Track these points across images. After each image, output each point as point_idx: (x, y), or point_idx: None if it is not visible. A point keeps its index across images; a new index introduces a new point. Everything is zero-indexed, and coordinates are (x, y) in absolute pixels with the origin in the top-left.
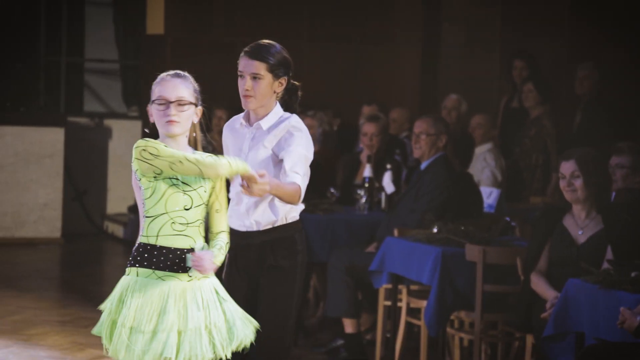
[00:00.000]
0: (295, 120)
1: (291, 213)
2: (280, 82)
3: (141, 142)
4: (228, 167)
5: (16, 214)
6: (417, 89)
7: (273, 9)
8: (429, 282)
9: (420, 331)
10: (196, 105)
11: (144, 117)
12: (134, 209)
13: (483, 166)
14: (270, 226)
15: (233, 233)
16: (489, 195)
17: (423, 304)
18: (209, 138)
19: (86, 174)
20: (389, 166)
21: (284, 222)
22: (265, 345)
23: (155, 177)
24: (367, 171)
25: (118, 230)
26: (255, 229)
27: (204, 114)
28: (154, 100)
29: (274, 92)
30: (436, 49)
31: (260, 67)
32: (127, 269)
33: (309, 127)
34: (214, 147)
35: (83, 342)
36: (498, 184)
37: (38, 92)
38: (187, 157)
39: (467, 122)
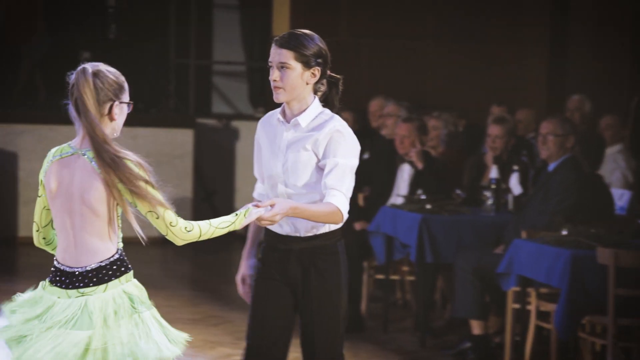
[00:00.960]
0: (338, 123)
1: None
2: (312, 73)
3: (135, 169)
4: (195, 235)
5: None
6: (544, 89)
7: (397, 10)
8: (559, 285)
9: (550, 335)
10: None
11: None
12: None
13: (613, 167)
14: (310, 233)
15: (272, 236)
16: (620, 197)
17: (553, 307)
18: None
19: (215, 174)
20: (515, 167)
21: (327, 230)
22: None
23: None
24: (494, 172)
25: (247, 229)
26: (294, 234)
27: None
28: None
29: (306, 83)
30: (564, 48)
31: (289, 56)
32: (117, 280)
33: (433, 129)
34: None
35: (214, 340)
36: (629, 186)
37: (168, 94)
38: (165, 214)
39: (594, 122)
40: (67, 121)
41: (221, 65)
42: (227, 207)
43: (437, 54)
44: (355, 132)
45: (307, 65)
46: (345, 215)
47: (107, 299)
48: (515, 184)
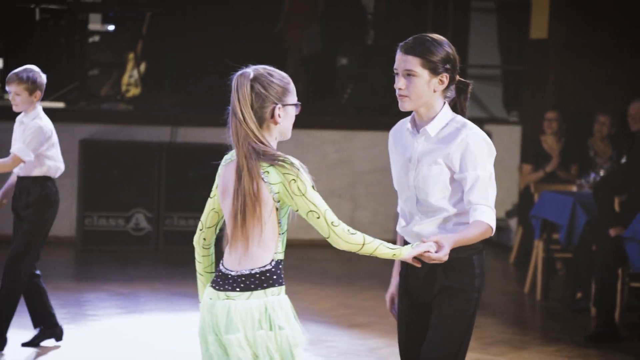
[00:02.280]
0: (471, 131)
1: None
2: (440, 80)
3: (293, 170)
4: (357, 247)
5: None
6: None
7: None
8: None
9: None
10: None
11: (523, 122)
12: (511, 213)
13: None
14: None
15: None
16: None
17: None
18: None
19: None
20: None
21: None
22: None
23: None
24: None
25: (496, 234)
26: None
27: None
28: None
29: (434, 90)
30: None
31: (415, 63)
32: (276, 289)
33: None
34: None
35: None
36: None
37: None
38: (326, 214)
39: None
40: (323, 125)
41: (476, 68)
42: None
43: None
44: (613, 136)
45: (434, 72)
46: (494, 229)
47: (250, 307)
48: None
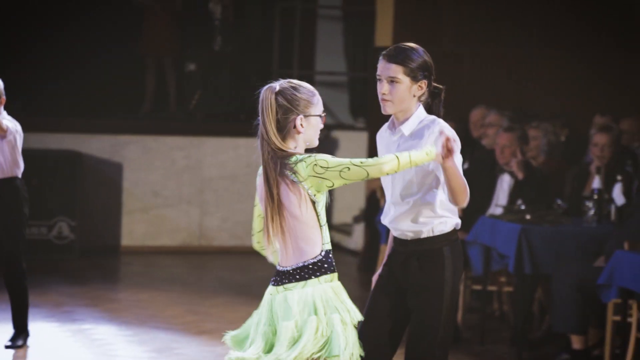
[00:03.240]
0: (440, 124)
1: (439, 226)
2: (419, 86)
3: (311, 158)
4: (394, 164)
5: (248, 223)
6: None
7: (501, 17)
8: None
9: None
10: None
11: (370, 128)
12: (359, 219)
13: None
14: (416, 237)
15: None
16: None
17: None
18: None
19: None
20: (619, 177)
21: (431, 235)
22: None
23: (328, 189)
24: (597, 182)
25: (344, 239)
26: (403, 237)
27: None
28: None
29: (413, 95)
30: None
31: (398, 71)
32: (329, 276)
33: (533, 139)
34: None
35: None
36: None
37: None
38: (352, 161)
39: None
40: (171, 131)
41: (323, 75)
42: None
43: (541, 62)
44: None
45: (414, 78)
46: (467, 200)
47: (305, 294)
48: (618, 195)
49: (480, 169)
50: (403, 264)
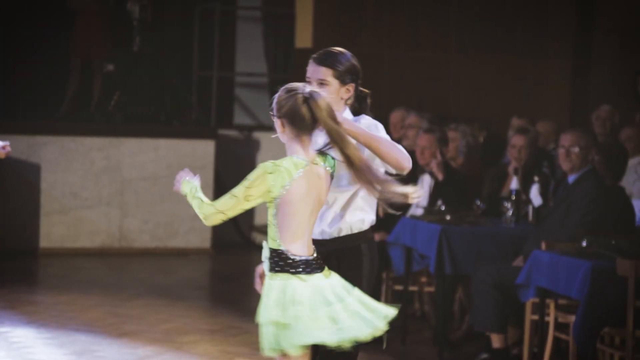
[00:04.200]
0: (368, 118)
1: (357, 224)
2: (347, 89)
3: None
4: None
5: (169, 225)
6: (565, 101)
7: (420, 21)
8: (578, 296)
9: (568, 346)
10: None
11: None
12: None
13: (634, 179)
14: (335, 235)
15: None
16: None
17: (571, 318)
18: None
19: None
20: (536, 179)
21: (350, 232)
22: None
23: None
24: (514, 184)
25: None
26: (321, 237)
27: None
28: None
29: (341, 98)
30: (587, 61)
31: (327, 73)
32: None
33: (451, 141)
34: None
35: (232, 351)
36: None
37: (191, 105)
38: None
39: (616, 134)
40: (90, 132)
41: (243, 77)
42: (247, 219)
43: (459, 65)
44: None
45: (343, 82)
46: (409, 166)
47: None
48: (535, 196)
49: None
50: (327, 263)
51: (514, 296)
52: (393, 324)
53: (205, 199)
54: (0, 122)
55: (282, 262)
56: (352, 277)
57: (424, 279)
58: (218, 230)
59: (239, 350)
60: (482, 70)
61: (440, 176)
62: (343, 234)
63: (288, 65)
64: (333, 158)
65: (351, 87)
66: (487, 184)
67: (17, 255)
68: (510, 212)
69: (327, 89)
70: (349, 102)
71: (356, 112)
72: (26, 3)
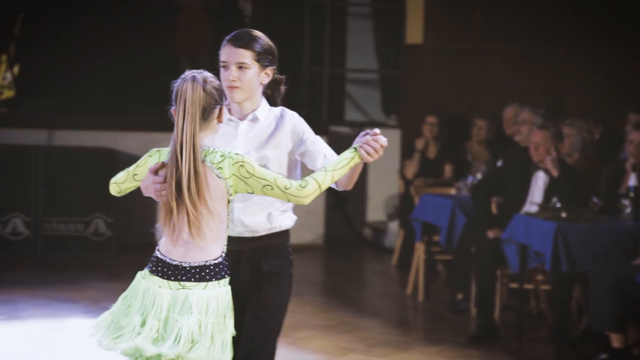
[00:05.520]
0: (292, 112)
1: (286, 221)
2: (266, 73)
3: (238, 157)
4: (316, 194)
5: None
6: None
7: (532, 15)
8: None
9: None
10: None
11: (402, 125)
12: (393, 216)
13: None
14: (265, 232)
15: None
16: None
17: None
18: None
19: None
20: None
21: (277, 230)
22: (250, 352)
23: (246, 192)
24: (633, 180)
25: (377, 237)
26: (247, 235)
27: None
28: None
29: (260, 83)
30: None
31: (246, 56)
32: (216, 282)
33: (567, 137)
34: None
35: (346, 347)
36: None
37: (302, 102)
38: (277, 182)
39: None
40: None
41: (354, 73)
42: (359, 215)
43: (573, 60)
44: (489, 140)
45: (262, 65)
46: None
47: (208, 296)
48: None
49: (515, 166)
50: (250, 263)
51: (634, 295)
52: (511, 321)
53: None
54: (117, 119)
55: None
56: (284, 275)
57: (539, 277)
58: (330, 227)
59: (352, 346)
60: (597, 64)
61: (555, 173)
62: (275, 231)
63: (398, 61)
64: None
65: (270, 71)
66: (603, 180)
67: (135, 250)
68: (628, 209)
69: (247, 73)
70: (264, 87)
71: (268, 97)
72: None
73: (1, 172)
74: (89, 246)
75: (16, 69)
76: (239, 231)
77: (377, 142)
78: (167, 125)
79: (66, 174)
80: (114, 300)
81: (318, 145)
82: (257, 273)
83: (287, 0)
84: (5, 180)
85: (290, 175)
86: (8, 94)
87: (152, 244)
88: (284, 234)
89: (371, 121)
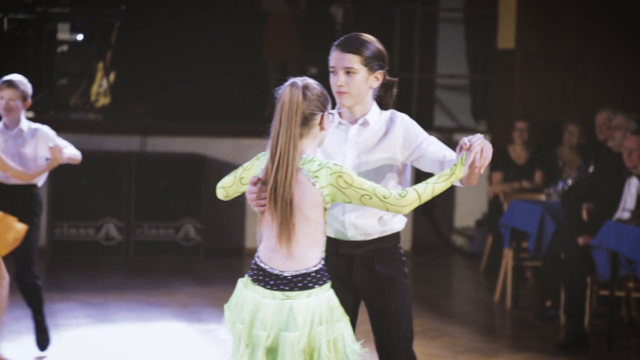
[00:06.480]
0: (402, 115)
1: (397, 223)
2: (375, 77)
3: (337, 168)
4: (415, 204)
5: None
6: None
7: (625, 19)
8: None
9: None
10: None
11: (492, 131)
12: (481, 223)
13: None
14: (377, 235)
15: (330, 241)
16: None
17: None
18: None
19: None
20: None
21: (389, 232)
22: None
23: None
24: None
25: (465, 243)
26: (359, 238)
27: None
28: None
29: (370, 87)
30: None
31: (354, 60)
32: (319, 288)
33: None
34: None
35: (432, 353)
36: None
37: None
38: (376, 191)
39: None
40: None
41: (444, 79)
42: (447, 221)
43: None
44: (581, 146)
45: (371, 69)
46: None
47: (311, 303)
48: None
49: (606, 172)
50: (362, 266)
51: None
52: (601, 329)
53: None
54: (208, 125)
55: None
56: (401, 278)
57: (631, 284)
58: (418, 232)
59: (439, 352)
60: None
61: None
62: (386, 234)
63: (488, 67)
64: None
65: (380, 74)
66: None
67: (224, 255)
68: None
69: (355, 78)
70: (376, 91)
71: (380, 101)
72: (220, 6)
73: (95, 178)
74: (179, 251)
75: (112, 77)
76: (350, 235)
77: (480, 159)
78: (257, 131)
79: (157, 180)
80: (203, 304)
81: (435, 146)
82: (372, 277)
83: (377, 6)
84: (98, 186)
85: (400, 178)
86: (104, 101)
87: (241, 249)
88: (396, 236)
89: (460, 127)
